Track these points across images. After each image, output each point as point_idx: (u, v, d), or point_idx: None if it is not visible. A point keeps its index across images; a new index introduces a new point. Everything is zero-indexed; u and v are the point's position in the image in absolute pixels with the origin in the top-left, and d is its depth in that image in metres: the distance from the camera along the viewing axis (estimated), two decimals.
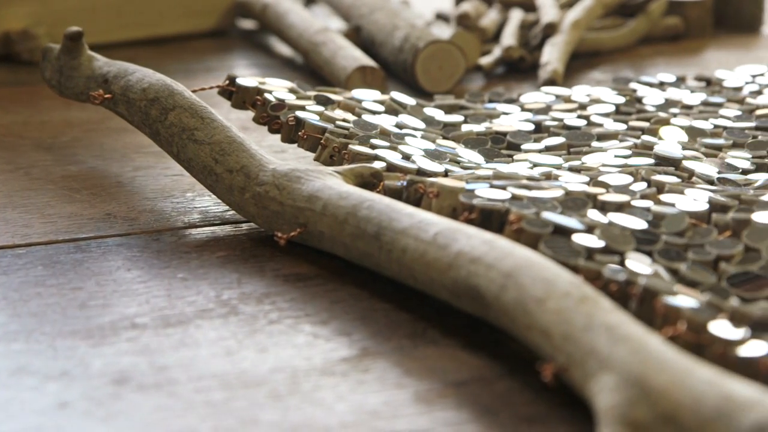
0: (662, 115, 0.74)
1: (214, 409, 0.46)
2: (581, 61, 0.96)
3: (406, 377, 0.48)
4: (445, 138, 0.71)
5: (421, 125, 0.72)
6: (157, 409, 0.46)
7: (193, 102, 0.65)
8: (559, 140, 0.70)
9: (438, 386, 0.48)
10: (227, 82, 0.71)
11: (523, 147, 0.70)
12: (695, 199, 0.58)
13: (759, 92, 0.80)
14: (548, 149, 0.70)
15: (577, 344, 0.45)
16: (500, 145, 0.70)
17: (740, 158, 0.67)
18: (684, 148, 0.68)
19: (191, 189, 0.68)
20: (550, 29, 0.94)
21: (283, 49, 1.00)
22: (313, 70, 0.91)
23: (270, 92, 0.71)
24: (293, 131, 0.68)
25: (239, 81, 0.71)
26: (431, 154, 0.65)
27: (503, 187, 0.58)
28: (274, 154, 0.74)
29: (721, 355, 0.45)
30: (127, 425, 0.45)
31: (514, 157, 0.68)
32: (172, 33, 1.01)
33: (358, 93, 0.74)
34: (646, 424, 0.41)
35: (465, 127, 0.73)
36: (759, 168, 0.66)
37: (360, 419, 0.45)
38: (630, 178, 0.61)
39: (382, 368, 0.49)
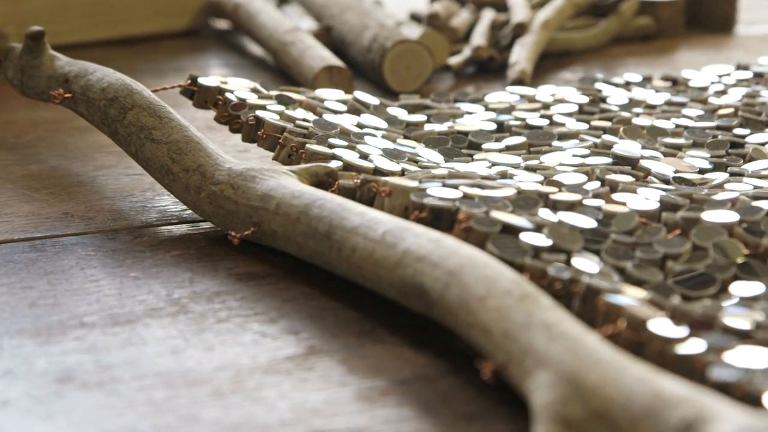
0: (625, 114, 0.75)
1: (155, 408, 0.46)
2: (552, 61, 0.96)
3: (349, 375, 0.49)
4: (406, 137, 0.71)
5: (384, 125, 0.72)
6: (97, 407, 0.46)
7: (152, 101, 0.65)
8: (519, 140, 0.70)
9: (381, 384, 0.48)
10: (189, 81, 0.71)
11: (483, 146, 0.70)
12: (647, 198, 0.58)
13: (724, 92, 0.80)
14: (509, 149, 0.70)
15: (516, 342, 0.45)
16: (461, 145, 0.70)
17: (699, 158, 0.68)
18: (644, 148, 0.69)
19: (151, 188, 0.68)
20: (520, 29, 0.94)
21: (256, 49, 1.00)
22: (282, 70, 0.91)
23: (231, 92, 0.71)
24: (253, 130, 0.68)
25: (201, 80, 0.71)
26: (390, 154, 0.66)
27: (455, 187, 0.58)
28: (238, 154, 0.74)
29: (659, 352, 0.45)
30: (66, 423, 0.45)
31: (474, 157, 0.68)
32: (145, 33, 1.01)
33: (321, 93, 0.75)
34: (579, 421, 0.41)
35: (428, 127, 0.73)
36: (717, 167, 0.67)
37: (299, 417, 0.45)
38: (584, 177, 0.61)
39: (326, 366, 0.49)
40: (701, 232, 0.54)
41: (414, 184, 0.58)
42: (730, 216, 0.55)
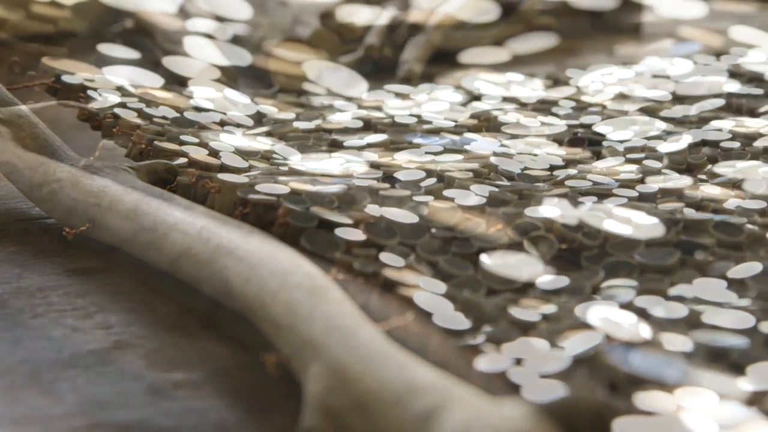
0: (494, 113, 0.75)
1: None
2: (451, 60, 0.96)
3: (148, 369, 0.49)
4: (269, 134, 0.71)
5: (249, 122, 0.72)
6: None
7: (3, 98, 0.65)
8: (381, 137, 0.70)
9: (177, 378, 0.48)
10: (53, 79, 0.71)
11: (345, 144, 0.70)
12: (477, 194, 0.58)
13: (600, 91, 0.80)
14: (370, 146, 0.70)
15: (299, 335, 0.45)
16: (323, 142, 0.70)
17: (553, 155, 0.68)
18: (502, 145, 0.69)
19: (7, 186, 0.68)
20: (415, 28, 0.94)
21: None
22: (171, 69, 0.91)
23: (94, 89, 0.71)
24: (110, 128, 0.68)
25: (63, 78, 0.71)
26: (242, 151, 0.66)
27: (286, 183, 0.58)
28: (108, 151, 0.74)
29: (441, 345, 0.45)
30: None
31: (332, 154, 0.69)
32: (46, 31, 1.01)
33: (191, 91, 0.75)
34: (341, 411, 0.41)
35: (296, 124, 0.73)
36: (569, 164, 0.67)
37: (85, 410, 0.46)
38: (423, 174, 0.61)
39: (127, 360, 0.49)
40: (518, 227, 0.54)
41: (244, 180, 0.58)
42: (551, 211, 0.55)
